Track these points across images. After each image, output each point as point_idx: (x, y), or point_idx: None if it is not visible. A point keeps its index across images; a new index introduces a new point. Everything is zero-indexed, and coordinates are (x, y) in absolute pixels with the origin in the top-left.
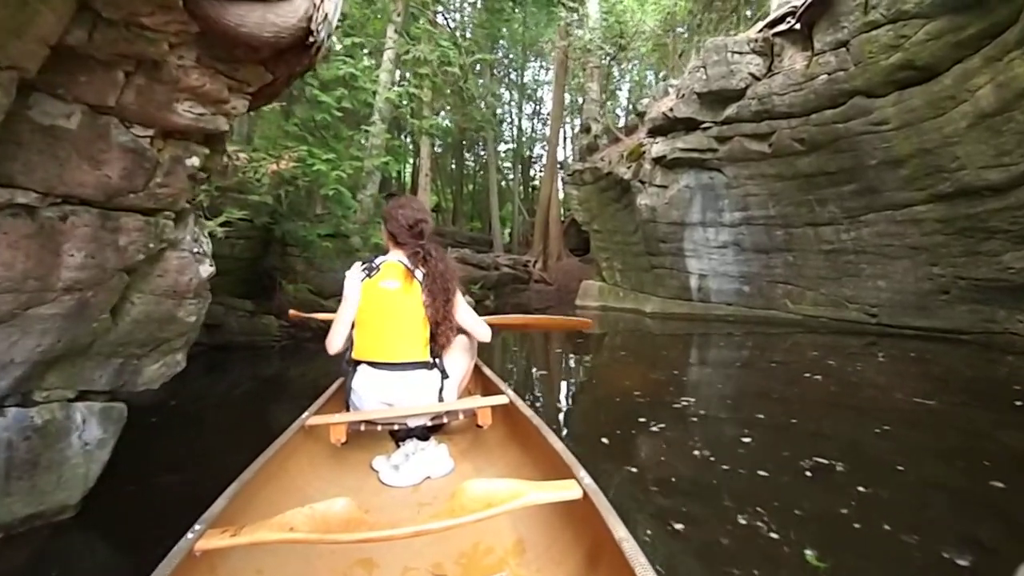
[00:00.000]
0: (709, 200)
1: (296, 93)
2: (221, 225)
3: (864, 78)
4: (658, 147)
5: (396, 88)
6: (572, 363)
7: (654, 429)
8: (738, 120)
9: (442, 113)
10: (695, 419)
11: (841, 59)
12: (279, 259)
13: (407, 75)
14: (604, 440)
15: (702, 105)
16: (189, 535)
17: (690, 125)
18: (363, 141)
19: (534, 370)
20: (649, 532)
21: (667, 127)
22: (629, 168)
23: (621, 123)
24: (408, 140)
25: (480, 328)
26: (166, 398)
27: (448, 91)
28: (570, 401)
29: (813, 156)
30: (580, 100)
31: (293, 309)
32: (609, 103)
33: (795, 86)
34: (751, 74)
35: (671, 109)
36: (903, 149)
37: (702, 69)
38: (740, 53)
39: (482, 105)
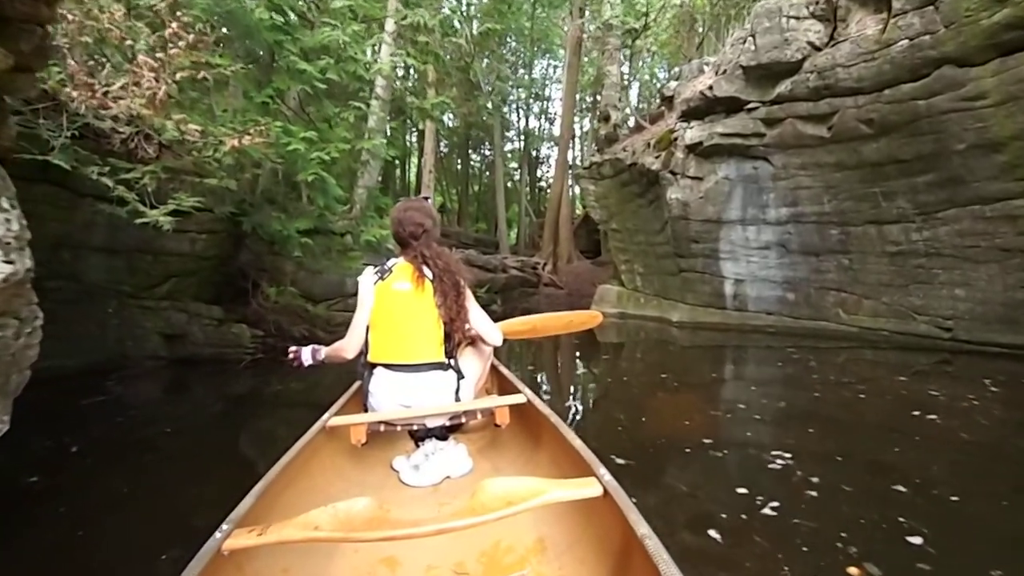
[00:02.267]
0: (751, 194)
1: (276, 63)
2: (172, 215)
3: (957, 43)
4: (693, 132)
5: (394, 57)
6: (602, 386)
7: (768, 511)
8: (792, 99)
9: (447, 108)
10: (815, 493)
11: (927, 20)
12: (257, 258)
13: (408, 50)
14: (712, 534)
15: (748, 82)
16: (217, 534)
17: (732, 106)
18: (351, 119)
19: (548, 396)
20: None
21: (704, 109)
22: (657, 158)
23: (631, 123)
24: (411, 136)
25: (492, 333)
26: (98, 433)
27: (453, 71)
28: (623, 452)
29: (883, 140)
30: (589, 100)
31: (276, 315)
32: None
33: (866, 55)
34: (810, 43)
35: (710, 87)
36: (1003, 130)
37: (750, 39)
38: (797, 18)
39: (489, 91)
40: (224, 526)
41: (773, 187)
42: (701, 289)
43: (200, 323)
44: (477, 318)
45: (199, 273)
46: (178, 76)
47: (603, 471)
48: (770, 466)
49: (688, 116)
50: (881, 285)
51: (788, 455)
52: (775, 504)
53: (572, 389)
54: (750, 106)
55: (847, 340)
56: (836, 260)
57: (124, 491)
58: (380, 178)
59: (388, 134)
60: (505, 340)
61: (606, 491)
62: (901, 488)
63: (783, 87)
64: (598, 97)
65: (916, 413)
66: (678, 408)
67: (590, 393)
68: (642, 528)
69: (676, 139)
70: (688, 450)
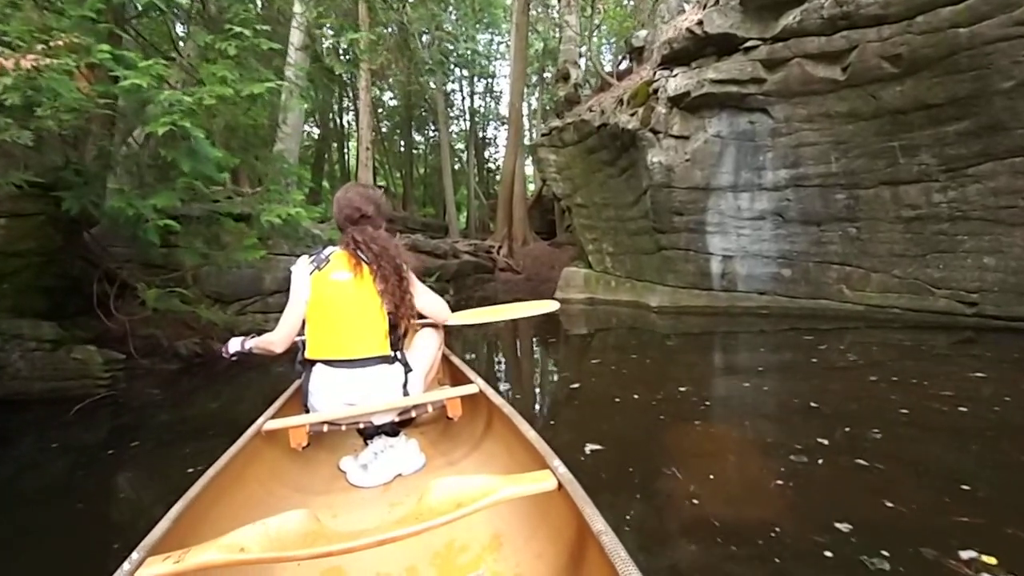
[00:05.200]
0: (746, 154)
1: None
2: None
3: None
4: (677, 81)
5: None
6: (588, 408)
7: None
8: (800, 33)
9: (376, 51)
10: None
11: None
12: (127, 251)
13: None
14: None
15: (746, 14)
16: (125, 566)
17: (726, 46)
18: (231, 51)
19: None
20: None
21: (692, 51)
22: (634, 115)
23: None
24: (348, 115)
25: (440, 308)
26: None
27: (386, 15)
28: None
29: (909, 82)
30: (536, 78)
31: (152, 328)
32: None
33: None
34: None
35: (699, 23)
36: None
37: None
38: None
39: (429, 46)
40: (135, 554)
41: (772, 145)
42: (684, 268)
43: (22, 348)
44: (423, 297)
45: (12, 276)
46: None
47: (557, 463)
48: None
49: (671, 62)
50: (893, 256)
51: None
52: None
53: (544, 416)
54: (748, 45)
55: (851, 320)
56: (841, 229)
57: None
58: (313, 157)
59: (317, 96)
60: (460, 329)
61: (560, 484)
62: None
63: (790, 19)
64: (546, 74)
65: None
66: (738, 465)
67: (571, 424)
68: (598, 524)
69: (656, 91)
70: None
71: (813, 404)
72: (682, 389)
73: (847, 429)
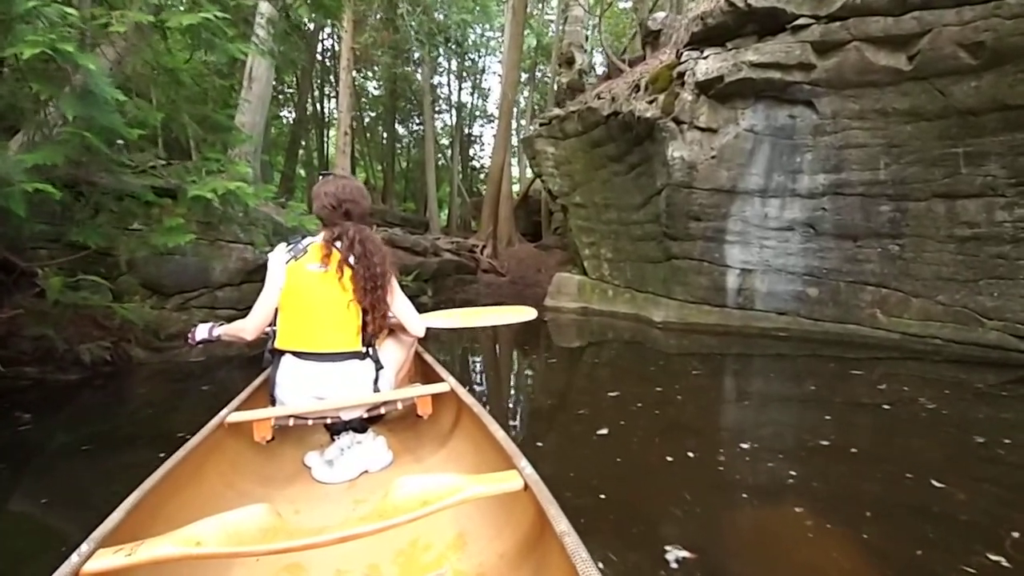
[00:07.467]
0: (781, 153)
1: None
2: None
3: None
4: (709, 64)
5: None
6: (604, 465)
7: None
8: (864, 11)
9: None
10: None
11: None
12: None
13: None
14: None
15: None
16: (74, 557)
17: (770, 24)
18: None
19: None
20: None
21: (731, 27)
22: (653, 102)
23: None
24: (330, 102)
25: (415, 324)
26: None
27: None
28: None
29: (988, 77)
30: (525, 76)
31: (46, 326)
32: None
33: None
34: None
35: None
36: None
37: None
38: None
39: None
40: (84, 546)
41: (812, 145)
42: (695, 281)
43: None
44: (400, 306)
45: None
46: None
47: (524, 463)
48: None
49: (701, 42)
50: (940, 280)
51: None
52: None
53: (583, 486)
54: (799, 23)
55: (883, 349)
56: (881, 246)
57: None
58: (288, 142)
59: (291, 65)
60: (436, 334)
61: (526, 484)
62: None
63: None
64: (538, 71)
65: None
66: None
67: (627, 504)
68: (561, 524)
69: (682, 75)
70: None
71: (936, 483)
72: (744, 446)
73: (1009, 534)
